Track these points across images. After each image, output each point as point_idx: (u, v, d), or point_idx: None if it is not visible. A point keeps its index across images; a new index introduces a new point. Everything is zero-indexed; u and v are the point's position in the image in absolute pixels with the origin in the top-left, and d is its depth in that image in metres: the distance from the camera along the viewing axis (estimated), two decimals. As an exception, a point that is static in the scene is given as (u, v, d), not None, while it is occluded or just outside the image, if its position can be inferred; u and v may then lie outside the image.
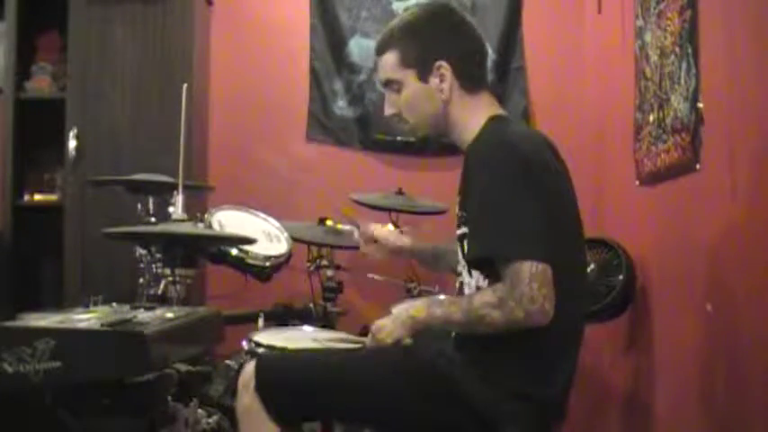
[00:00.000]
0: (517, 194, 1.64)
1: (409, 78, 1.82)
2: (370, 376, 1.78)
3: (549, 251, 1.60)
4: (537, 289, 1.58)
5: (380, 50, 1.87)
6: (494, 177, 1.67)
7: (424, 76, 1.81)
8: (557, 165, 1.77)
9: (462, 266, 1.80)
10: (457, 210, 1.83)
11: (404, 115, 1.87)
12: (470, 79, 1.82)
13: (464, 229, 1.77)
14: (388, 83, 1.87)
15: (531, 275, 1.58)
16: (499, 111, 1.86)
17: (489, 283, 1.70)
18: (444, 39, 1.82)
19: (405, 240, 2.17)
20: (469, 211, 1.74)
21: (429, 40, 1.81)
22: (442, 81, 1.80)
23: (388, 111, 1.89)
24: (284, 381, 1.78)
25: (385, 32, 1.87)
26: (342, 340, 2.31)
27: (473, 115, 1.82)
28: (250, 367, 1.80)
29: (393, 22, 1.89)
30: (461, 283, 1.81)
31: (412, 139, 1.98)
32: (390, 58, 1.84)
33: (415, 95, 1.83)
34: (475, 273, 1.75)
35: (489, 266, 1.68)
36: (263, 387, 1.75)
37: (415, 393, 1.73)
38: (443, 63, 1.79)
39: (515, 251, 1.61)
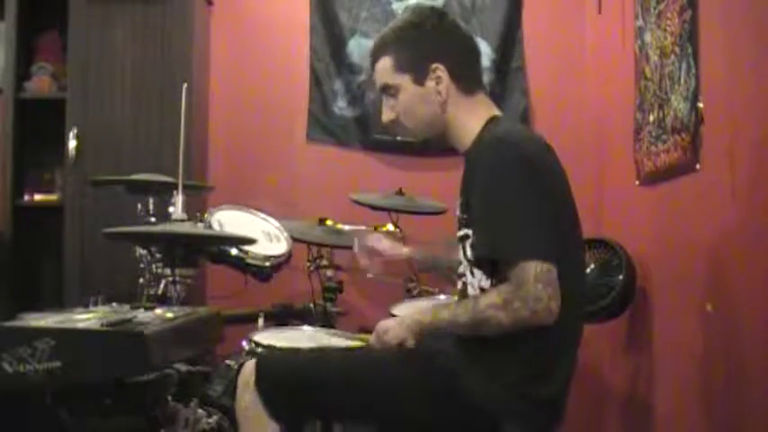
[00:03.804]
0: (521, 194, 1.64)
1: (406, 83, 1.83)
2: (371, 374, 1.78)
3: (553, 250, 1.61)
4: (542, 288, 1.58)
5: (375, 58, 1.88)
6: (497, 177, 1.67)
7: (420, 80, 1.81)
8: (557, 165, 1.77)
9: (465, 267, 1.80)
10: (458, 212, 1.83)
11: (402, 120, 1.87)
12: (466, 81, 1.83)
13: (465, 231, 1.77)
14: (385, 88, 1.87)
15: (535, 275, 1.58)
16: (496, 112, 1.87)
17: (492, 283, 1.71)
18: (437, 41, 1.82)
19: (403, 251, 2.17)
20: (474, 212, 1.73)
21: (422, 44, 1.82)
22: (438, 83, 1.80)
23: (387, 116, 1.89)
24: (284, 379, 1.78)
25: (377, 40, 1.89)
26: (341, 339, 2.31)
27: (471, 117, 1.82)
28: (250, 365, 1.80)
29: (385, 30, 1.90)
30: (464, 284, 1.81)
31: (412, 139, 1.96)
32: (385, 63, 1.84)
33: (413, 99, 1.83)
34: (477, 272, 1.75)
35: (493, 266, 1.69)
36: (263, 385, 1.75)
37: (415, 392, 1.73)
38: (439, 65, 1.80)
39: (520, 251, 1.61)
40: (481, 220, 1.70)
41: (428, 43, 1.82)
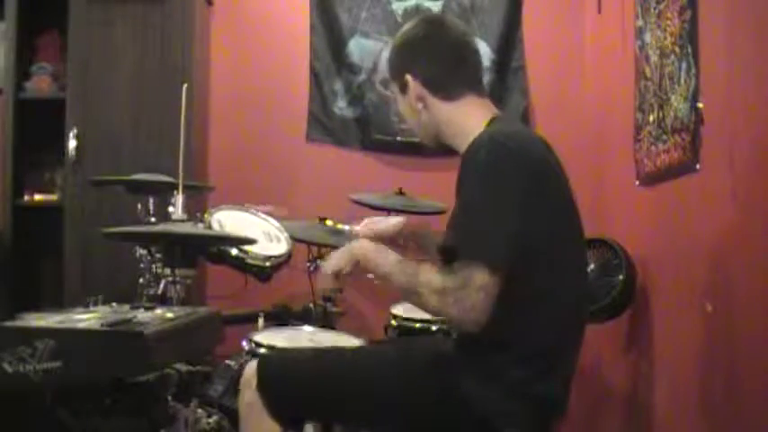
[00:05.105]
0: (499, 198, 1.62)
1: (396, 91, 1.92)
2: (370, 376, 1.79)
3: (507, 265, 1.59)
4: (482, 299, 1.56)
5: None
6: (479, 176, 1.66)
7: (402, 89, 1.89)
8: (554, 165, 1.76)
9: None
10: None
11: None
12: (446, 87, 1.84)
13: None
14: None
15: (482, 285, 1.56)
16: (495, 113, 1.86)
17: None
18: (411, 52, 1.88)
19: (397, 220, 2.15)
20: (456, 206, 1.72)
21: (400, 56, 1.90)
22: (411, 93, 1.86)
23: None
24: (285, 380, 1.80)
25: None
26: (341, 341, 2.31)
27: (467, 119, 1.82)
28: (252, 366, 1.82)
29: None
30: None
31: (413, 139, 2.01)
32: (389, 72, 1.96)
33: (403, 107, 1.93)
34: None
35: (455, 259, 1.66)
36: (265, 385, 1.76)
37: (414, 393, 1.73)
38: (408, 77, 1.85)
39: (478, 255, 1.59)
40: (457, 214, 1.69)
41: (401, 56, 1.90)
